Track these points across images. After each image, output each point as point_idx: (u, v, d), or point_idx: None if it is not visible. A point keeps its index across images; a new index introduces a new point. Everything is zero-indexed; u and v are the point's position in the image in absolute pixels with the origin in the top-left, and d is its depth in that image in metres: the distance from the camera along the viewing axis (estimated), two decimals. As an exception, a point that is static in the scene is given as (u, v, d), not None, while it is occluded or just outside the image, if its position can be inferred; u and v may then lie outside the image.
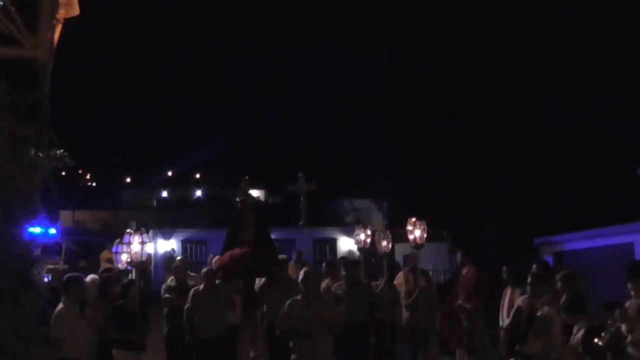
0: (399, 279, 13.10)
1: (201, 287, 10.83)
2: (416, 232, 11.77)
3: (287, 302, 8.44)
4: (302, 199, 9.06)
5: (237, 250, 12.29)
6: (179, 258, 14.25)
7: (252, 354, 13.19)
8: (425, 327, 11.69)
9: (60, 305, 8.65)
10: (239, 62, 70.00)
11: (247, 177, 13.49)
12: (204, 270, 11.47)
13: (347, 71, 38.48)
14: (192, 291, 10.76)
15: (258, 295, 12.07)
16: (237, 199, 13.17)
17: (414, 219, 11.84)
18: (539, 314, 8.22)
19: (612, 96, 28.07)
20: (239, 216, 12.87)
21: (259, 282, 12.47)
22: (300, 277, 8.59)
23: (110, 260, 16.86)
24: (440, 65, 31.14)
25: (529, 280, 8.79)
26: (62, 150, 2.47)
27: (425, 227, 11.86)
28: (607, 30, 28.92)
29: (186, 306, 10.61)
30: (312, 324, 8.01)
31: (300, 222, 8.99)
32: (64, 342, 8.23)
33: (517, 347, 8.56)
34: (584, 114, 27.45)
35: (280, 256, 13.04)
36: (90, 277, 12.31)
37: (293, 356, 8.23)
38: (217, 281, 11.20)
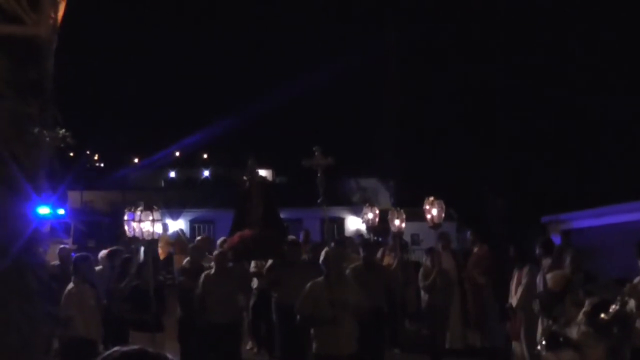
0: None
1: (212, 270, 10.32)
2: (433, 210, 11.37)
3: (308, 286, 7.75)
4: (319, 174, 8.39)
5: (247, 231, 11.78)
6: (198, 238, 13.66)
7: (249, 345, 12.63)
8: (445, 308, 11.40)
9: (71, 285, 8.72)
10: (245, 42, 69.71)
11: (253, 157, 12.93)
12: (215, 252, 10.80)
13: (352, 49, 38.25)
14: (203, 275, 10.25)
15: (271, 278, 11.28)
16: (244, 178, 12.73)
17: (431, 198, 11.41)
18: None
19: (622, 73, 27.83)
20: (247, 196, 12.44)
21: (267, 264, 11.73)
22: (322, 257, 7.82)
23: (169, 244, 16.56)
24: (447, 42, 30.94)
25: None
26: (64, 130, 2.44)
27: (443, 206, 11.45)
28: (613, 6, 28.64)
29: (197, 291, 10.07)
30: (336, 308, 7.34)
31: (319, 200, 8.41)
32: (73, 321, 8.31)
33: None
34: (593, 92, 27.28)
35: (290, 237, 12.36)
36: (102, 252, 12.38)
37: (315, 344, 7.58)
38: (230, 264, 10.63)
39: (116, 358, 1.71)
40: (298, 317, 7.77)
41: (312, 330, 7.64)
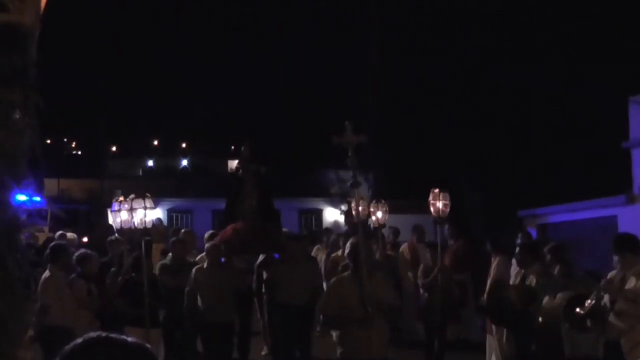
0: (405, 251, 12.93)
1: (205, 265, 9.63)
2: (439, 204, 10.73)
3: (332, 282, 7.06)
4: (349, 153, 7.51)
5: (240, 224, 11.17)
6: (183, 231, 12.71)
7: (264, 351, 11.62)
8: (444, 306, 10.58)
9: (47, 273, 8.65)
10: (225, 32, 69.43)
11: (247, 145, 12.09)
12: (208, 245, 10.01)
13: (333, 37, 38.23)
14: (194, 270, 9.49)
15: (268, 274, 10.56)
16: (237, 166, 12.14)
17: (437, 190, 10.76)
18: (527, 282, 8.25)
19: (599, 68, 28.06)
20: (240, 186, 11.79)
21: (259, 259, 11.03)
22: (348, 249, 7.02)
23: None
24: (426, 37, 30.97)
25: (516, 250, 8.71)
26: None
27: (449, 199, 10.80)
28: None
29: (187, 288, 9.32)
30: (368, 308, 6.46)
31: (349, 184, 7.55)
32: (50, 309, 8.26)
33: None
34: (570, 86, 27.50)
35: (284, 230, 11.96)
36: (69, 235, 12.24)
37: (341, 349, 6.71)
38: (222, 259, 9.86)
39: (78, 344, 1.69)
40: (321, 317, 7.05)
41: (334, 333, 6.82)
